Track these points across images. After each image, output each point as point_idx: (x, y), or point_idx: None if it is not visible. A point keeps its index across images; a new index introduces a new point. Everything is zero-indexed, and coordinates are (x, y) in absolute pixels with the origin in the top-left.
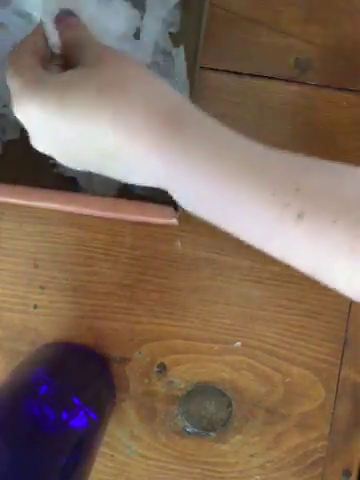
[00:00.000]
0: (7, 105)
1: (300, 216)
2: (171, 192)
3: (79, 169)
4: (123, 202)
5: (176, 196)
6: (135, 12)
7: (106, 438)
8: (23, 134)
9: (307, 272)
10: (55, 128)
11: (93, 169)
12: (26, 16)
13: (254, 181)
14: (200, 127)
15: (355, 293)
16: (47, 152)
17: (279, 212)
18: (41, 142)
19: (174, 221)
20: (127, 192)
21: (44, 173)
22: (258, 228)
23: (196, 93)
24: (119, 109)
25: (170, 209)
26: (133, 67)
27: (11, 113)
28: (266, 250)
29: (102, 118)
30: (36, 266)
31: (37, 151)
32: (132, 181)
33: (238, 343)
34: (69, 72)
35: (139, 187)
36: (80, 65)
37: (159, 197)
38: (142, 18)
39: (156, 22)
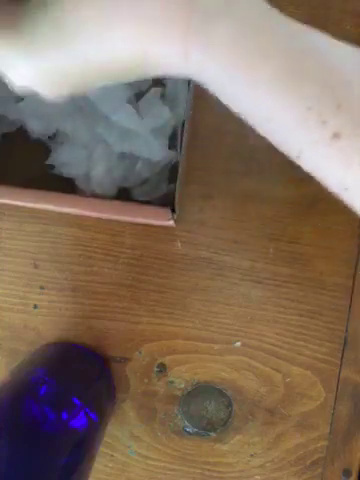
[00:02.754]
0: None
1: (336, 136)
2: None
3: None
4: (120, 204)
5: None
6: None
7: (106, 438)
8: (19, 133)
9: (334, 190)
10: None
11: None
12: None
13: (289, 92)
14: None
15: None
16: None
17: (313, 130)
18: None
19: (171, 223)
20: (125, 194)
21: (42, 174)
22: (287, 140)
23: (196, 93)
24: None
25: (167, 211)
26: None
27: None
28: (293, 160)
29: None
30: (36, 266)
31: (35, 152)
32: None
33: (238, 343)
34: None
35: (137, 189)
36: None
37: (156, 200)
38: None
39: None
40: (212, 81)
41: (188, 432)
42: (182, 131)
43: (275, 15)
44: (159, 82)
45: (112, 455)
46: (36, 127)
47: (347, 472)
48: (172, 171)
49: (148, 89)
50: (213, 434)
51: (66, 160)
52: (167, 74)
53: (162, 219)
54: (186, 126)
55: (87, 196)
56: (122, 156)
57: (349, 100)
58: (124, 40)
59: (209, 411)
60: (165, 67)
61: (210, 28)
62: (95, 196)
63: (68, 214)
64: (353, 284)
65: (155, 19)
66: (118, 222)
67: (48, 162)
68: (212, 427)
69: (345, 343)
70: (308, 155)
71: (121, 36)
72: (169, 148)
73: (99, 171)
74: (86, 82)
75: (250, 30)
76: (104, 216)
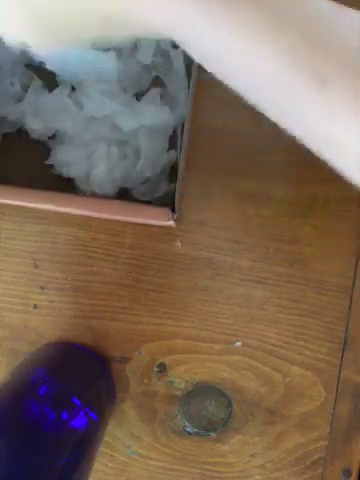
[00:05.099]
0: None
1: (323, 83)
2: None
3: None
4: (120, 204)
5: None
6: None
7: (106, 438)
8: (20, 134)
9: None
10: None
11: None
12: None
13: (271, 36)
14: None
15: None
16: None
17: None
18: None
19: (171, 223)
20: (125, 194)
21: (42, 174)
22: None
23: (196, 93)
24: None
25: (167, 211)
26: None
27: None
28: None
29: None
30: (36, 266)
31: (35, 152)
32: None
33: (238, 343)
34: None
35: (137, 189)
36: None
37: (156, 199)
38: None
39: None
40: (193, 33)
41: (188, 432)
42: (182, 131)
43: None
44: (159, 82)
45: (112, 455)
46: (36, 127)
47: (347, 472)
48: (172, 171)
49: (148, 89)
50: (213, 434)
51: (66, 160)
52: (145, 30)
53: (162, 219)
54: (186, 126)
55: (87, 196)
56: (122, 156)
57: (337, 51)
58: None
59: (209, 411)
60: (145, 20)
61: None
62: (95, 196)
63: (68, 214)
64: (353, 284)
65: None
66: (118, 222)
67: (48, 162)
68: (212, 427)
69: (345, 343)
70: (293, 106)
71: None
72: (169, 148)
73: (99, 171)
74: (70, 29)
75: None
76: (104, 216)
